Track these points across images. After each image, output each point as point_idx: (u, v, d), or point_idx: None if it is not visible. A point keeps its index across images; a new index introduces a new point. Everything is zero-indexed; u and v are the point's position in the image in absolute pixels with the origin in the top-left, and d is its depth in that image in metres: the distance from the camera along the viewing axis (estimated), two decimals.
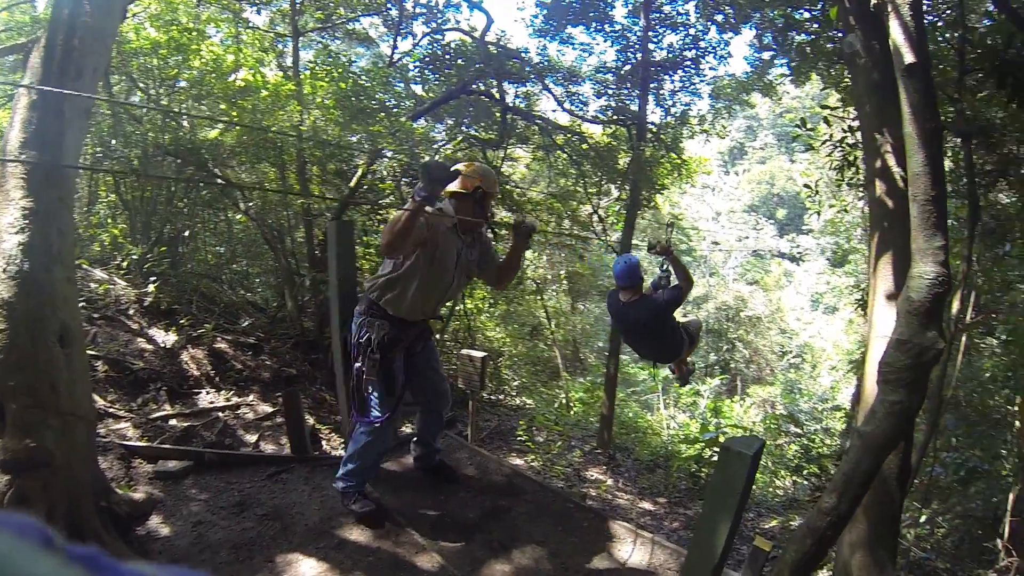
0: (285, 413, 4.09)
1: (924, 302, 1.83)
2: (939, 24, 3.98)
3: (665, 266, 3.59)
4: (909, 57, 1.91)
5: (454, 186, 2.91)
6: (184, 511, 3.18)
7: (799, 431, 8.37)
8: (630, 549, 3.15)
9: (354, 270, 3.84)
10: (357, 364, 2.98)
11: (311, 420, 5.07)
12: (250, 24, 7.40)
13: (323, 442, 5.08)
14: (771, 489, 7.61)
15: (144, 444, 3.75)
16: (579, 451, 7.09)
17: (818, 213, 7.06)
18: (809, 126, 5.51)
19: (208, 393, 4.90)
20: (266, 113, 5.38)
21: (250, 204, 6.21)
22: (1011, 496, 3.43)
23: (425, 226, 2.72)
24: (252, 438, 4.60)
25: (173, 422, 4.34)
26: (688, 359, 4.41)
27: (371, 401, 3.01)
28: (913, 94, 1.90)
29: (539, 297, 11.67)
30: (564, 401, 10.19)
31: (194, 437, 4.26)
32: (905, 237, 2.85)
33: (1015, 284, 4.78)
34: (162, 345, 5.06)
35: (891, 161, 2.84)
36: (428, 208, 2.58)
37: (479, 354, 4.43)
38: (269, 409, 5.01)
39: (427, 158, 2.77)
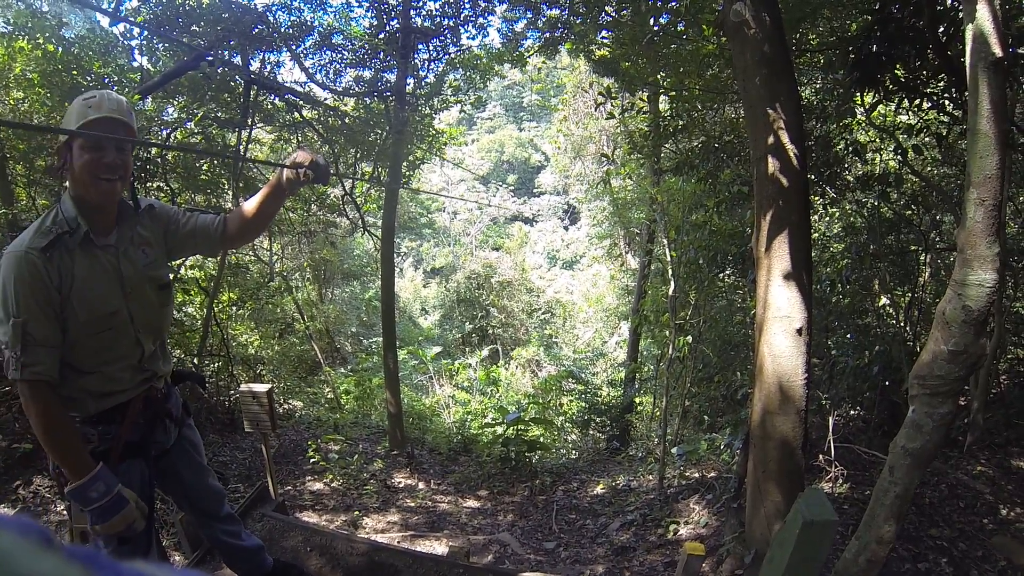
0: None
1: (983, 311, 1.82)
2: None
3: None
4: (997, 51, 1.80)
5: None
6: None
7: (582, 387, 8.85)
8: None
9: None
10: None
11: (62, 507, 3.62)
12: None
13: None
14: (572, 452, 7.80)
15: None
16: (379, 460, 6.54)
17: (608, 179, 7.27)
18: (554, 96, 5.59)
19: None
20: None
21: None
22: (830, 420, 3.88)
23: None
24: None
25: None
26: None
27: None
28: (996, 91, 1.82)
29: (288, 294, 10.54)
30: (332, 396, 9.64)
31: None
32: (800, 215, 2.89)
33: None
34: None
35: (785, 138, 2.70)
36: None
37: (262, 388, 3.80)
38: (9, 512, 3.51)
39: None
